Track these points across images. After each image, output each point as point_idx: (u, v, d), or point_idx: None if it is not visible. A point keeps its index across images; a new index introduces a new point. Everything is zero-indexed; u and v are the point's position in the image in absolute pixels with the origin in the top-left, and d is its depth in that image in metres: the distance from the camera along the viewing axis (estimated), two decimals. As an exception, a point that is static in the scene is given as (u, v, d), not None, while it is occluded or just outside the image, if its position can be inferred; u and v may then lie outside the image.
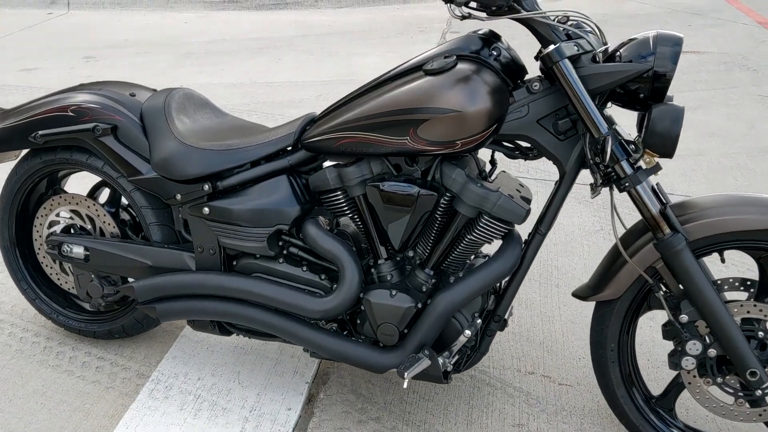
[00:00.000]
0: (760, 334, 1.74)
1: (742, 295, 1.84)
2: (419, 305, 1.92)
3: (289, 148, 2.03)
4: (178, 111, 2.19)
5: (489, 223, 1.82)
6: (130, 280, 2.37)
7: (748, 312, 1.74)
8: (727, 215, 1.63)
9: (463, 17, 1.72)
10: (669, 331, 1.85)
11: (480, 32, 1.85)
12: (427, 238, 1.91)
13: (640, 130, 1.71)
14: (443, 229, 1.89)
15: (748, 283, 1.79)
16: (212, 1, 9.22)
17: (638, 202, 1.73)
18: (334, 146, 1.87)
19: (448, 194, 1.84)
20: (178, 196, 2.08)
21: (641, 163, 1.70)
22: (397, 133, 1.75)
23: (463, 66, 1.73)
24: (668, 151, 1.65)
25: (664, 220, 1.69)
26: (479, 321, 1.93)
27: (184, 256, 2.16)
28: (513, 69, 1.81)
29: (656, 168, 1.71)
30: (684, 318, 1.78)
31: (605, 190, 1.81)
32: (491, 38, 1.83)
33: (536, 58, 1.75)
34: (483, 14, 1.72)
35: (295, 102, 5.30)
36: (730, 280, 1.78)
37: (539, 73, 1.80)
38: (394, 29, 7.66)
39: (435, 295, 1.89)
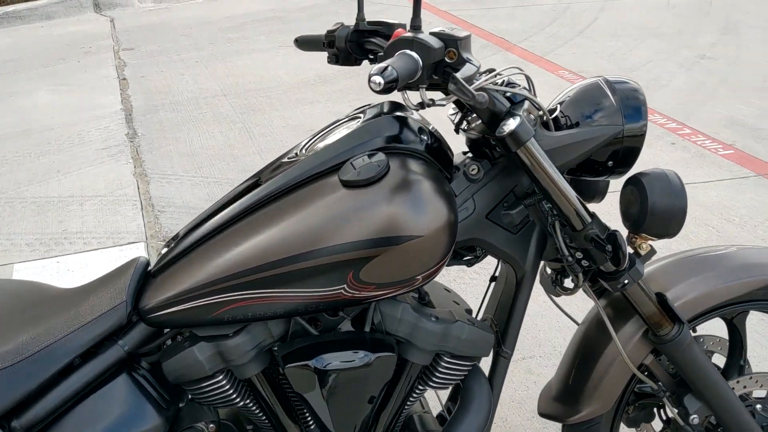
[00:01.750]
0: (758, 407, 1.57)
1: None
2: None
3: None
4: None
5: (451, 366, 1.36)
6: None
7: (745, 387, 1.57)
8: (711, 286, 1.47)
9: (425, 106, 1.23)
10: None
11: (383, 105, 1.36)
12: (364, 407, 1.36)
13: (628, 211, 1.40)
14: (389, 390, 1.38)
15: (719, 340, 1.59)
16: None
17: (635, 299, 1.41)
18: (209, 317, 1.26)
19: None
20: None
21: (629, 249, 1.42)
22: (326, 283, 1.21)
23: (397, 167, 1.23)
24: (674, 231, 1.36)
25: (665, 314, 1.48)
26: None
27: None
28: (442, 153, 1.34)
29: (652, 253, 1.41)
30: (695, 419, 1.50)
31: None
32: (398, 110, 1.35)
33: (459, 130, 1.39)
34: (443, 97, 1.27)
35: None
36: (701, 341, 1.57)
37: (463, 150, 1.43)
38: (52, 54, 6.54)
39: None
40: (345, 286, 1.21)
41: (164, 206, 3.61)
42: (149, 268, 1.36)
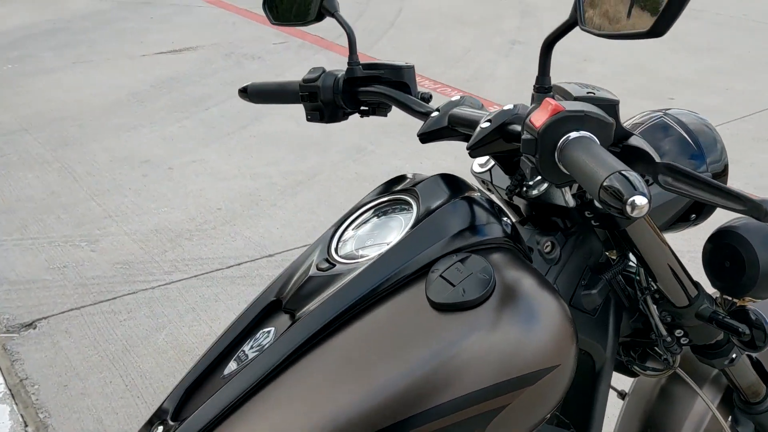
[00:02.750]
0: None
1: None
2: None
3: None
4: None
5: None
6: None
7: None
8: None
9: (512, 195, 0.98)
10: None
11: (436, 182, 1.02)
12: None
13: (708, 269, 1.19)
14: None
15: None
16: None
17: (735, 371, 1.24)
18: None
19: None
20: None
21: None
22: None
23: (500, 275, 0.91)
24: None
25: (763, 380, 1.32)
26: None
27: None
28: (516, 232, 1.04)
29: None
30: None
31: None
32: (456, 185, 1.03)
33: (513, 195, 1.10)
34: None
35: None
36: None
37: (517, 218, 1.14)
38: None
39: None
40: None
41: (-8, 281, 2.96)
42: None
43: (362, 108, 1.22)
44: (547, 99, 0.82)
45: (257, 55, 5.91)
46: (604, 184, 0.72)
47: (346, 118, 1.24)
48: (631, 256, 1.12)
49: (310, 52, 5.88)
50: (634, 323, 1.17)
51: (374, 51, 5.79)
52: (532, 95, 0.91)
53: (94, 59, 5.87)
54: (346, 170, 3.89)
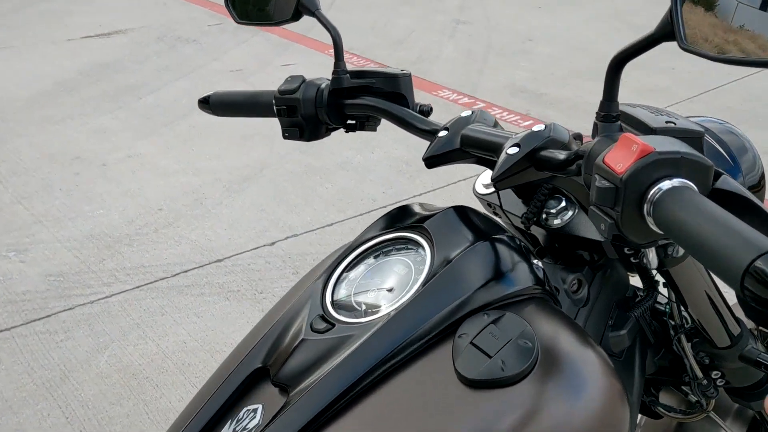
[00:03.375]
0: None
1: None
2: None
3: None
4: None
5: None
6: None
7: None
8: None
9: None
10: None
11: (451, 216, 0.86)
12: None
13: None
14: None
15: None
16: None
17: None
18: None
19: None
20: None
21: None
22: None
23: (546, 333, 0.76)
24: None
25: None
26: None
27: None
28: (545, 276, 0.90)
29: None
30: None
31: None
32: (485, 219, 0.88)
33: (531, 224, 0.94)
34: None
35: None
36: None
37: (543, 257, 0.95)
38: None
39: None
40: None
41: None
42: None
43: (348, 122, 1.06)
44: (627, 135, 0.65)
45: (192, 37, 5.61)
46: (756, 266, 0.53)
47: (329, 134, 1.07)
48: (661, 288, 0.99)
49: (248, 34, 5.61)
50: (659, 360, 1.04)
51: (314, 33, 5.56)
52: (595, 124, 0.74)
53: (15, 45, 5.47)
54: (294, 163, 3.70)
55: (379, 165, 3.65)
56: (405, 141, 3.68)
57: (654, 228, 0.64)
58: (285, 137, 1.06)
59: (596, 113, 0.74)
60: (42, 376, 2.31)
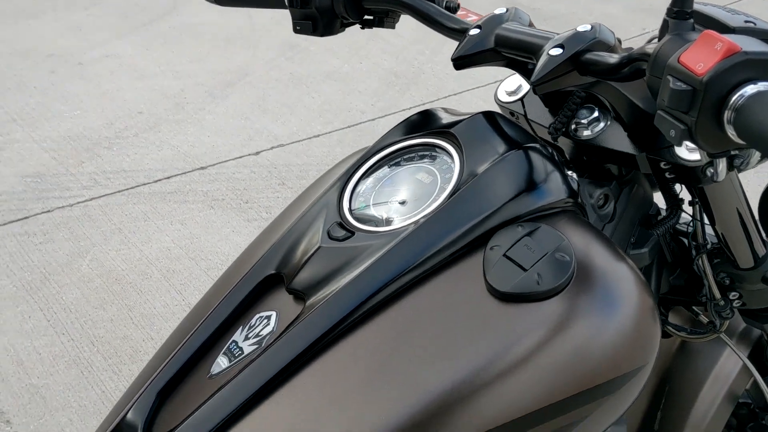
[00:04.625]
0: None
1: None
2: None
3: None
4: None
5: None
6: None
7: None
8: None
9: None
10: None
11: (483, 123, 0.81)
12: None
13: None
14: None
15: None
16: None
17: None
18: None
19: None
20: None
21: None
22: None
23: (581, 248, 0.72)
24: None
25: None
26: None
27: None
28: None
29: None
30: None
31: None
32: (517, 127, 0.83)
33: (558, 135, 0.89)
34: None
35: None
36: None
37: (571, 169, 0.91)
38: None
39: None
40: None
41: None
42: None
43: (366, 17, 0.98)
44: (709, 32, 0.59)
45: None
46: None
47: (344, 30, 1.00)
48: (686, 206, 0.96)
49: None
50: (674, 280, 1.03)
51: None
52: (664, 20, 0.67)
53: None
54: (279, 70, 3.57)
55: (368, 76, 3.55)
56: (394, 52, 3.57)
57: (732, 135, 0.59)
58: (296, 31, 0.99)
59: (668, 9, 0.67)
60: (22, 278, 2.26)
